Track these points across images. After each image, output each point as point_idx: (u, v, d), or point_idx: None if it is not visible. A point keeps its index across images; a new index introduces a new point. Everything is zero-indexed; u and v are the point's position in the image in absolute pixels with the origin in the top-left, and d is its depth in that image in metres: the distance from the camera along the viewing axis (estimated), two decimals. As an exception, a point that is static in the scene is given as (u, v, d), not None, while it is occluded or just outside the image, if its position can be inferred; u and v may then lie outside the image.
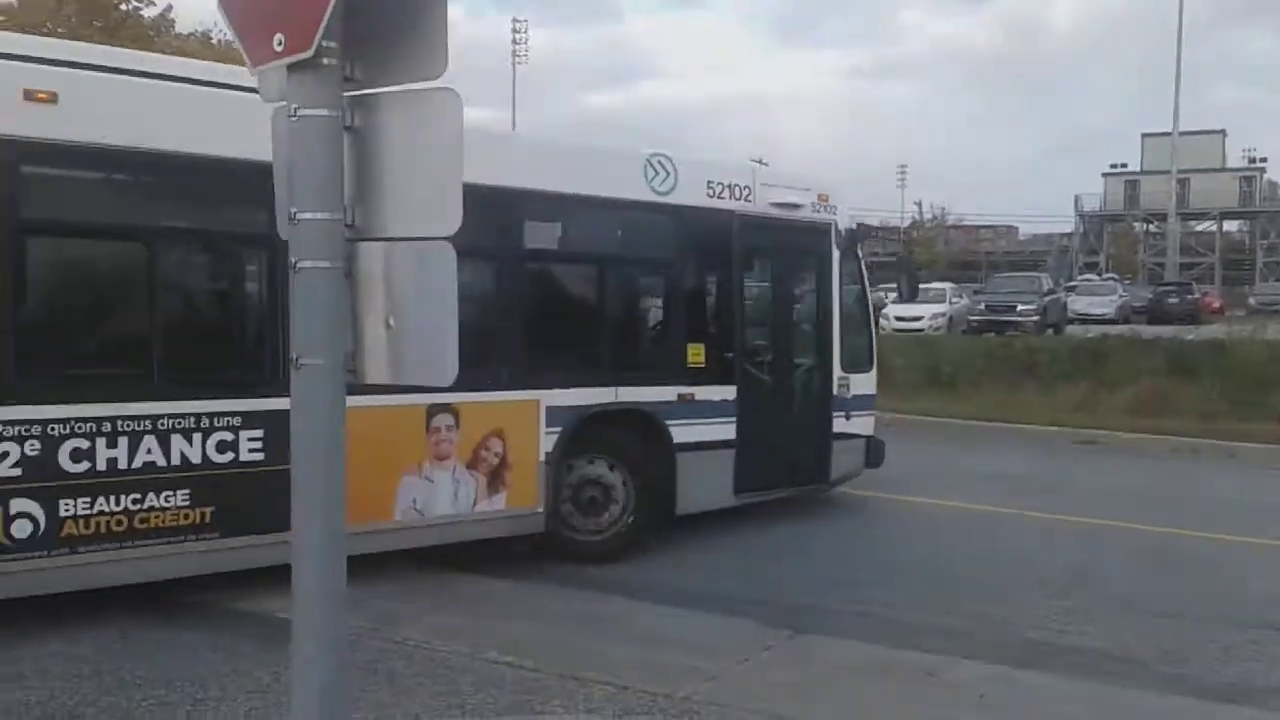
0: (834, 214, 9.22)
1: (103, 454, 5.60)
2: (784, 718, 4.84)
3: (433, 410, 6.79)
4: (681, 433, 7.94)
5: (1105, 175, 68.45)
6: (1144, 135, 65.41)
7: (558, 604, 6.57)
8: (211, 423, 5.93)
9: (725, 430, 8.23)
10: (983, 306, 29.82)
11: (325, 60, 2.48)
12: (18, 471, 5.35)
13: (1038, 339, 23.33)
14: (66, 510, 5.49)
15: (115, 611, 5.69)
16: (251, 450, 6.06)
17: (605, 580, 7.05)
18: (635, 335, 8.43)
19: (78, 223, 5.86)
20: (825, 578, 7.35)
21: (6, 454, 5.32)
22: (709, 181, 8.26)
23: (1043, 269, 47.91)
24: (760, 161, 14.50)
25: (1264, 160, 66.48)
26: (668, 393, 7.93)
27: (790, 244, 9.07)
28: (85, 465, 5.55)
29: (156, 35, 22.25)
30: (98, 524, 5.58)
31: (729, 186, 8.38)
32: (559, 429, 7.31)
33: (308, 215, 2.53)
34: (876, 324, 10.93)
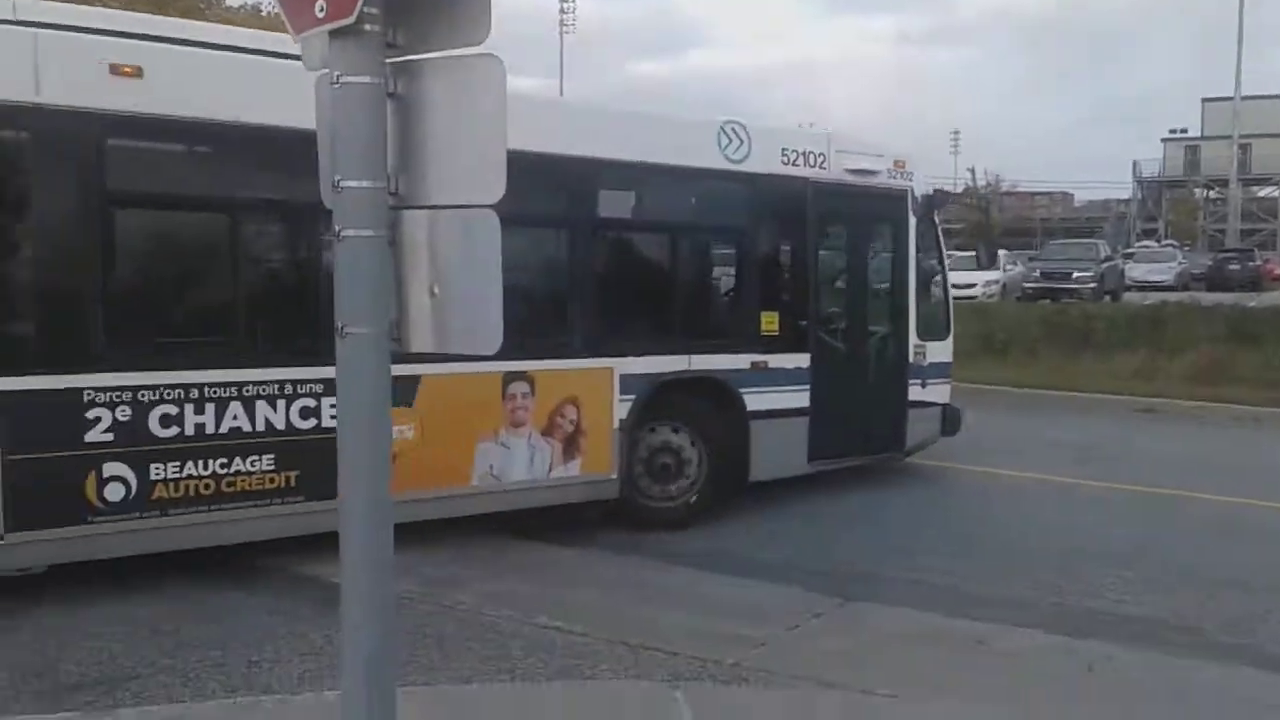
0: (910, 180, 8.91)
1: (190, 420, 5.66)
2: (831, 684, 4.74)
3: (509, 378, 6.74)
4: (755, 400, 7.78)
5: (1164, 140, 65.57)
6: (1204, 100, 62.46)
7: (609, 571, 6.48)
8: (295, 389, 5.96)
9: (799, 398, 8.05)
10: (1038, 273, 28.84)
11: (367, 26, 2.40)
12: (110, 437, 5.42)
13: (1094, 306, 22.63)
14: (157, 474, 5.56)
15: (174, 574, 5.73)
16: (334, 416, 6.04)
17: (657, 547, 6.93)
18: (709, 303, 8.26)
19: (163, 195, 5.90)
20: (879, 545, 7.17)
21: (99, 420, 5.41)
22: (783, 149, 8.03)
23: (1099, 235, 46.26)
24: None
25: (1328, 124, 63.16)
26: (741, 360, 7.77)
27: (865, 211, 8.78)
28: (174, 430, 5.61)
29: (207, 9, 22.02)
30: (186, 487, 5.65)
31: (804, 154, 8.14)
32: (633, 396, 7.21)
33: (351, 183, 2.46)
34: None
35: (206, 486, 5.71)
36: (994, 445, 10.17)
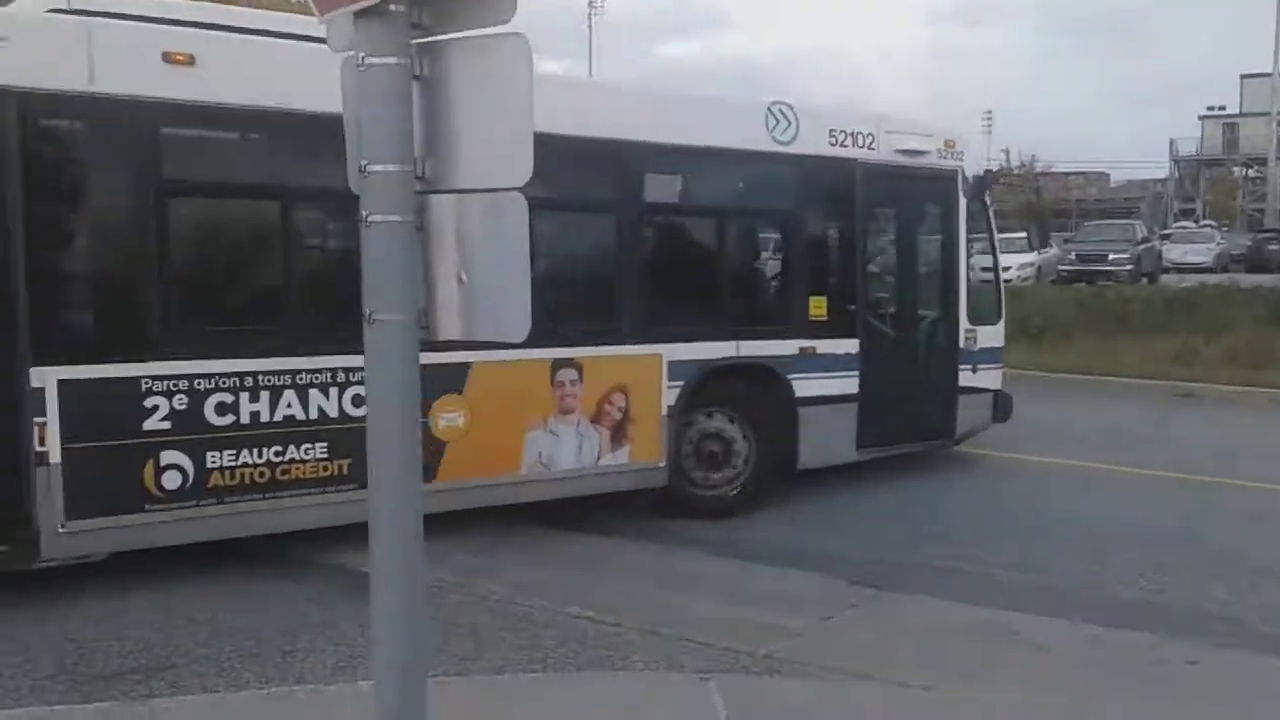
0: (960, 160, 8.66)
1: (245, 408, 5.65)
2: (865, 675, 4.61)
3: (557, 365, 6.67)
4: (803, 386, 7.63)
5: (1202, 118, 63.67)
6: (1243, 76, 60.58)
7: (642, 560, 6.37)
8: (348, 377, 5.92)
9: (847, 384, 7.88)
10: (1073, 256, 28.00)
11: (392, 7, 2.33)
12: (167, 425, 5.42)
13: (1131, 289, 22.06)
14: (213, 462, 5.55)
15: (210, 563, 5.68)
16: (386, 404, 6.04)
17: (689, 537, 6.80)
18: (756, 288, 8.10)
19: (217, 183, 5.88)
20: (914, 534, 6.99)
21: (156, 408, 5.41)
22: (831, 130, 7.83)
23: (1136, 216, 45.17)
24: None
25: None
26: (789, 346, 7.61)
27: (915, 192, 8.55)
28: (229, 419, 5.60)
29: None
30: (242, 475, 5.64)
31: (852, 134, 7.94)
32: (681, 383, 7.09)
33: (378, 167, 2.40)
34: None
35: (261, 474, 5.70)
36: (1028, 431, 9.89)
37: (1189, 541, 6.85)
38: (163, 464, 5.43)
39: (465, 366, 6.29)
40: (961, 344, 8.65)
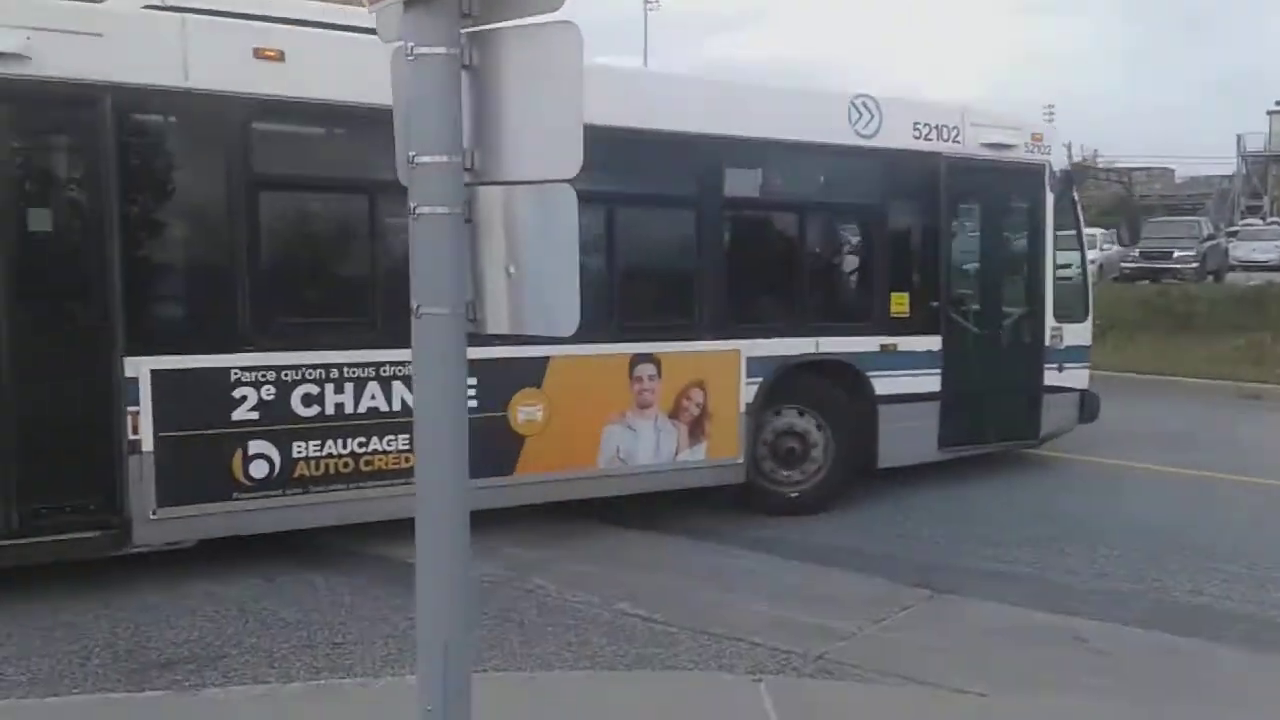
0: (1048, 154, 8.29)
1: (331, 399, 5.63)
2: (919, 680, 4.39)
3: (636, 360, 6.54)
4: (884, 384, 7.37)
5: (1270, 113, 60.54)
6: None
7: (693, 557, 6.18)
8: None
9: (929, 382, 7.60)
10: (1137, 253, 27.15)
11: None
12: (255, 415, 5.42)
13: (1196, 287, 21.17)
14: (299, 452, 5.54)
15: (263, 554, 5.63)
16: (470, 397, 5.98)
17: (741, 534, 6.59)
18: (837, 284, 7.85)
19: (304, 177, 5.86)
20: (970, 535, 6.69)
21: (245, 399, 5.41)
22: (915, 123, 7.54)
23: (1202, 213, 43.32)
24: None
25: None
26: (870, 343, 7.36)
27: (1000, 187, 8.20)
28: (315, 410, 5.58)
29: None
30: (326, 466, 5.62)
31: (936, 127, 7.64)
32: (759, 379, 6.90)
33: (427, 158, 2.33)
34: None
35: (345, 465, 5.67)
36: (1089, 432, 9.38)
37: (1255, 548, 6.47)
38: (250, 453, 5.43)
39: (544, 360, 6.19)
40: (1047, 341, 8.30)
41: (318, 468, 5.61)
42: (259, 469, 5.46)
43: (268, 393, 5.46)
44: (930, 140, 7.62)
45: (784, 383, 7.05)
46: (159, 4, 5.35)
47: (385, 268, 5.96)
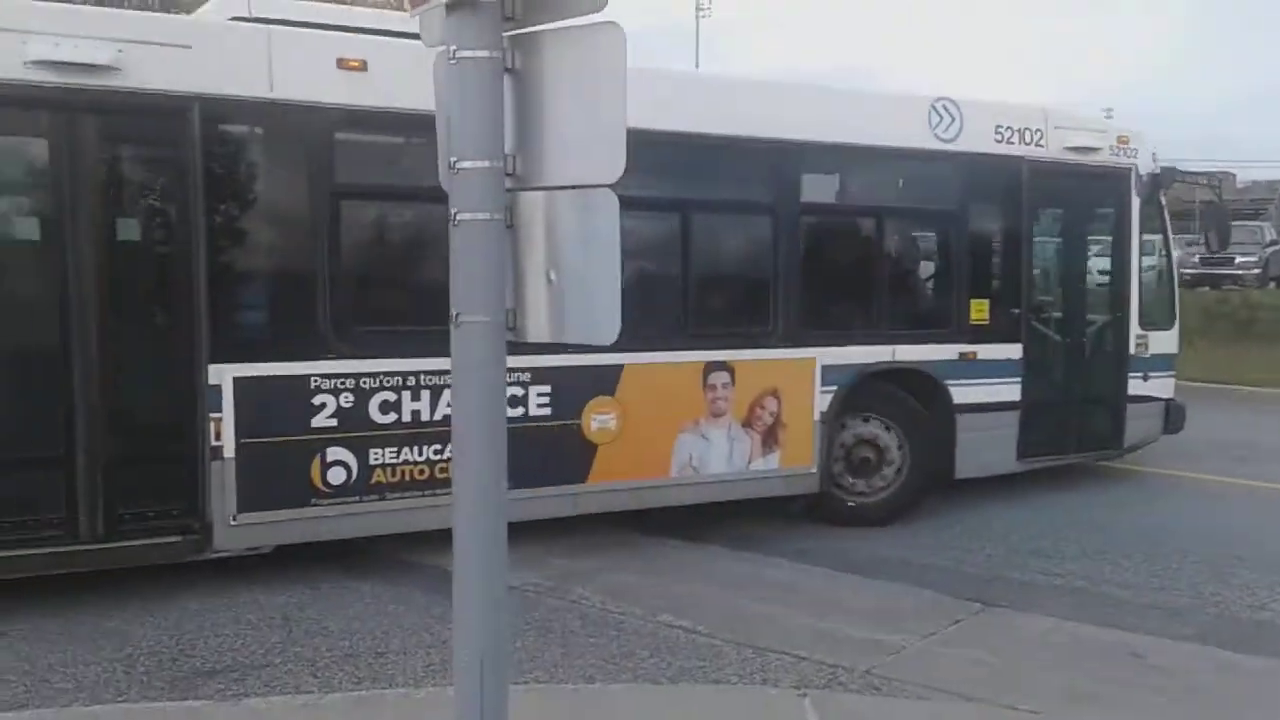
0: (1134, 158, 7.89)
1: (407, 406, 5.56)
2: (969, 697, 4.16)
3: (710, 368, 6.37)
4: (962, 393, 7.08)
5: None
6: None
7: (737, 568, 5.96)
8: (505, 378, 5.78)
9: (1009, 391, 7.28)
10: (1197, 259, 26.00)
11: None
12: (334, 422, 5.37)
13: (1259, 294, 20.32)
14: (375, 459, 5.48)
15: (307, 563, 5.54)
16: (540, 405, 5.88)
17: (787, 545, 6.34)
18: (914, 291, 7.56)
19: (386, 186, 5.83)
20: (1022, 548, 6.40)
21: (324, 405, 5.37)
22: (997, 126, 7.23)
23: (1265, 218, 41.33)
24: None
25: None
26: (948, 351, 7.07)
27: (1085, 191, 7.83)
28: (392, 417, 5.52)
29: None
30: (403, 472, 5.55)
31: (1019, 130, 7.32)
32: (834, 388, 6.67)
33: (468, 164, 2.26)
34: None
35: (421, 472, 5.60)
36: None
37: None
38: (329, 460, 5.39)
39: (618, 368, 6.06)
40: (1132, 350, 7.91)
41: (394, 475, 5.55)
42: (337, 475, 5.42)
43: (346, 400, 5.42)
44: (1012, 144, 7.31)
45: (860, 391, 6.82)
46: (245, 15, 5.34)
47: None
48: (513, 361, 6.02)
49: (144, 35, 4.98)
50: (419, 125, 5.56)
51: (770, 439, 6.56)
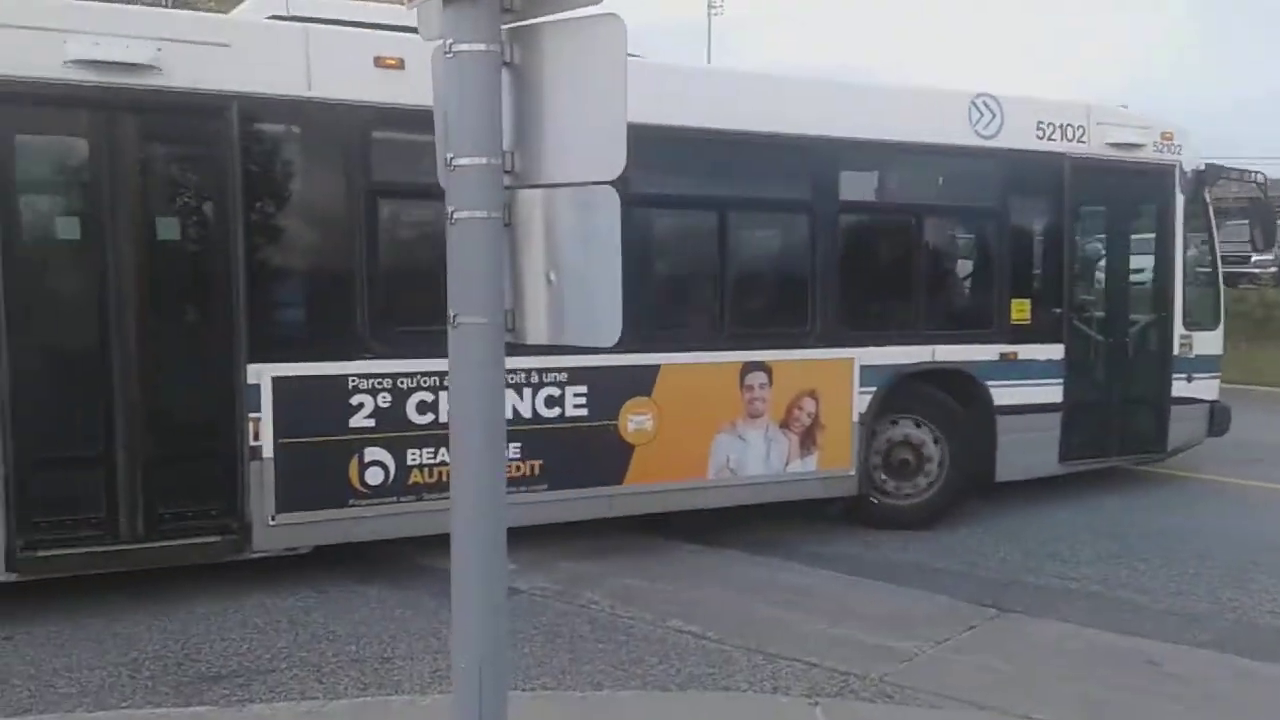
0: (1178, 154, 7.64)
1: (444, 407, 5.46)
2: (983, 705, 4.01)
3: (747, 368, 6.21)
4: (1003, 394, 6.88)
5: None
6: None
7: (748, 573, 5.79)
8: (540, 378, 5.66)
9: (1051, 392, 7.07)
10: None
11: None
12: (371, 423, 5.27)
13: (1275, 292, 19.70)
14: (413, 459, 5.37)
15: (316, 566, 5.43)
16: (576, 406, 5.76)
17: (798, 549, 6.16)
18: (954, 291, 7.35)
19: (423, 185, 5.68)
20: (1038, 552, 6.20)
21: (362, 406, 5.28)
22: (1039, 122, 7.01)
23: None
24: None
25: None
26: (988, 351, 6.87)
27: (1128, 188, 7.58)
28: (429, 417, 5.41)
29: None
30: (440, 473, 5.42)
31: (1060, 127, 7.10)
32: (873, 389, 6.49)
33: (465, 160, 2.18)
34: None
35: (457, 472, 5.51)
36: None
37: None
38: (367, 460, 5.29)
39: (655, 369, 5.93)
40: (1176, 351, 7.67)
41: (431, 475, 5.44)
42: (374, 475, 5.32)
43: (384, 400, 5.32)
44: (1054, 140, 7.09)
45: (899, 392, 6.63)
46: (283, 14, 5.26)
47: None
48: (549, 362, 5.94)
49: (183, 34, 4.91)
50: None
51: (808, 440, 6.39)
